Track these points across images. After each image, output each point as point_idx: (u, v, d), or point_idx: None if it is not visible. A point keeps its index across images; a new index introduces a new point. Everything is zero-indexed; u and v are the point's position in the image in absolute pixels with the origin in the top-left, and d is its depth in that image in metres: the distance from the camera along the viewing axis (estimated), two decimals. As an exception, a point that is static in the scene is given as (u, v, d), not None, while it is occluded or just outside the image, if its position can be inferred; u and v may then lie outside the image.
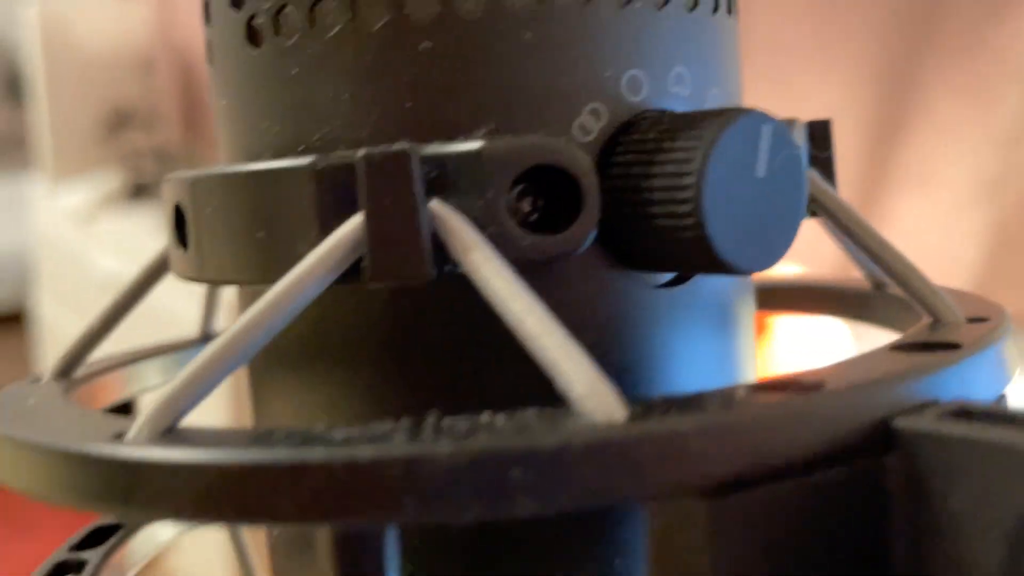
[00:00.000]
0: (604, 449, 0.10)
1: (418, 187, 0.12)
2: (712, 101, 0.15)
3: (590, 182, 0.13)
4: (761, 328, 0.78)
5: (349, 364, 0.14)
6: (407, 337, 0.14)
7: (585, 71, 0.14)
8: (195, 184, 0.14)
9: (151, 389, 0.19)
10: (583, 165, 0.13)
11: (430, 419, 0.11)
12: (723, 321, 0.16)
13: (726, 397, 0.11)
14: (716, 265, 0.13)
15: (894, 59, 0.94)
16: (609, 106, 0.14)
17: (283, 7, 0.14)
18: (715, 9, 0.15)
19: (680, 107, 0.14)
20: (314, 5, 0.14)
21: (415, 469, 0.10)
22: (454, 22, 0.13)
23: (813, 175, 0.16)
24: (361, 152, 0.12)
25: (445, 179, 0.13)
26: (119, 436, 0.12)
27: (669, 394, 0.11)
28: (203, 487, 0.10)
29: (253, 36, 0.14)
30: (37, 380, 0.17)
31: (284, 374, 0.15)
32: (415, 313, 0.14)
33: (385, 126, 0.14)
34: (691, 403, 0.11)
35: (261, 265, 0.13)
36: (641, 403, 0.11)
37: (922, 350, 0.13)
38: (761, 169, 0.13)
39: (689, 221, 0.13)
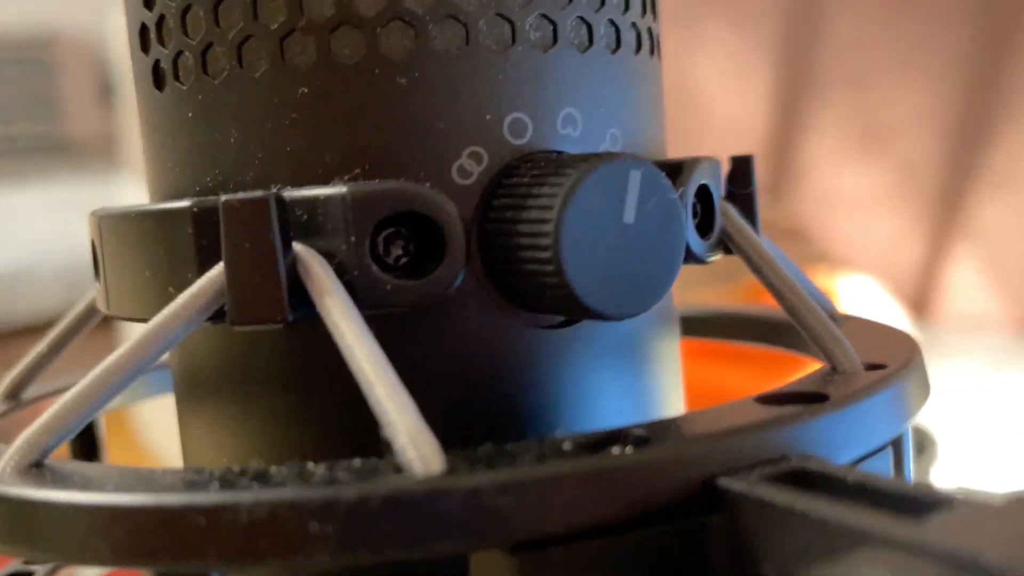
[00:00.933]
0: (405, 503, 0.10)
1: (275, 233, 0.12)
2: (611, 142, 0.15)
3: (452, 228, 0.13)
4: (824, 294, 0.76)
5: (247, 397, 0.15)
6: (298, 372, 0.14)
7: (464, 114, 0.14)
8: (102, 221, 0.15)
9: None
10: (445, 211, 0.13)
11: (251, 466, 0.11)
12: (630, 357, 0.15)
13: (546, 450, 0.11)
14: (582, 311, 0.13)
15: (978, 62, 0.90)
16: (490, 149, 0.14)
17: (180, 53, 0.14)
18: (615, 49, 0.15)
19: (571, 148, 0.14)
20: (205, 51, 0.14)
21: (218, 518, 0.10)
22: (332, 68, 0.13)
23: (729, 211, 0.16)
24: (222, 198, 0.13)
25: (314, 222, 0.13)
26: (-13, 470, 0.12)
27: (497, 445, 0.11)
28: (35, 524, 0.11)
29: (158, 79, 0.15)
30: (-13, 399, 0.18)
31: (196, 403, 0.16)
32: (303, 349, 0.14)
33: (269, 169, 0.14)
34: (506, 457, 0.11)
35: (150, 303, 0.14)
36: (463, 455, 0.11)
37: (786, 402, 0.13)
38: (629, 215, 0.13)
39: (550, 268, 0.13)
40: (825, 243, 0.93)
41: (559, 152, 0.14)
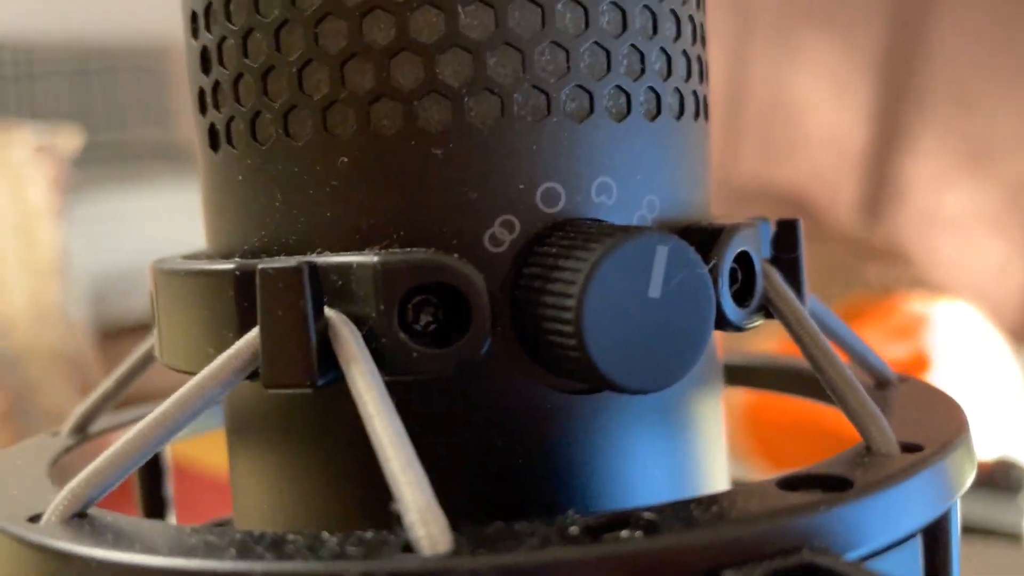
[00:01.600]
0: (405, 583, 0.10)
1: (307, 300, 0.13)
2: (648, 209, 0.15)
3: (478, 299, 0.13)
4: (919, 322, 0.74)
5: (284, 447, 0.15)
6: (331, 430, 0.15)
7: (497, 184, 0.14)
8: (158, 274, 0.16)
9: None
10: (471, 282, 0.13)
11: (269, 533, 0.12)
12: (666, 423, 0.15)
13: (552, 533, 0.11)
14: (604, 384, 0.13)
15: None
16: (522, 218, 0.14)
17: (232, 119, 0.15)
18: (655, 116, 0.15)
19: (606, 216, 0.14)
20: (254, 118, 0.15)
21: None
22: (371, 138, 0.14)
23: (772, 276, 0.16)
24: (259, 265, 0.13)
25: (347, 288, 0.13)
26: (35, 518, 0.13)
27: (507, 524, 0.12)
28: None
29: (213, 141, 0.16)
30: (57, 433, 0.19)
31: (240, 446, 0.16)
32: (337, 409, 0.14)
33: (310, 233, 0.14)
34: (512, 538, 0.11)
35: (195, 359, 0.14)
36: (470, 535, 0.11)
37: (808, 487, 0.12)
38: (655, 290, 0.13)
39: (572, 341, 0.13)
40: (924, 266, 0.89)
41: (593, 220, 0.14)
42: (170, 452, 0.22)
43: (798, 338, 0.15)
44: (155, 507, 0.22)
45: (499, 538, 0.11)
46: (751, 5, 1.07)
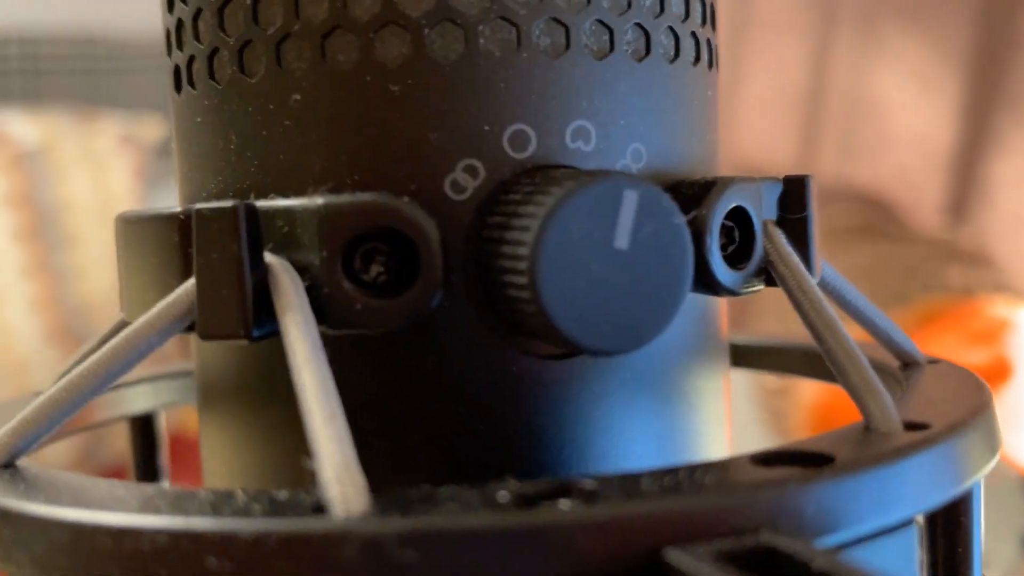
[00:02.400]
0: (302, 545, 0.09)
1: (242, 245, 0.12)
2: (632, 158, 0.14)
3: (429, 246, 0.12)
4: (1002, 327, 0.70)
5: (239, 407, 0.14)
6: (275, 387, 0.14)
7: (460, 125, 0.13)
8: (116, 223, 0.15)
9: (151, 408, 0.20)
10: (421, 228, 0.12)
11: (181, 492, 0.11)
12: (651, 394, 0.14)
13: (478, 499, 0.10)
14: (565, 343, 0.12)
15: None
16: (487, 162, 0.13)
17: (192, 58, 0.14)
18: (643, 57, 0.14)
19: (583, 164, 0.13)
20: (212, 56, 0.14)
21: (122, 541, 0.10)
22: (326, 74, 0.13)
23: (776, 237, 0.14)
24: (196, 207, 0.12)
25: (293, 235, 0.12)
26: (-41, 467, 0.12)
27: (435, 488, 0.10)
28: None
29: (177, 83, 0.15)
30: (39, 393, 0.19)
31: (205, 411, 0.16)
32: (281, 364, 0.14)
33: (263, 177, 0.13)
34: (432, 504, 0.10)
35: (143, 311, 0.14)
36: (391, 498, 0.10)
37: (785, 463, 0.11)
38: (622, 240, 0.12)
39: (526, 294, 0.12)
40: (1010, 270, 0.85)
41: (568, 167, 0.13)
42: (164, 420, 0.21)
43: (798, 304, 0.14)
44: (149, 475, 0.21)
45: (420, 502, 0.10)
46: (833, 0, 1.04)
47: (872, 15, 1.02)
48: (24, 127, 0.97)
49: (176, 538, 0.10)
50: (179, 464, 0.22)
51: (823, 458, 0.11)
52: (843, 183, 1.05)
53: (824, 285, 0.16)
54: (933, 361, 0.17)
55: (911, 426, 0.12)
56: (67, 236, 0.99)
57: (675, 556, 0.09)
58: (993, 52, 0.92)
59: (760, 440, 0.72)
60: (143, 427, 0.21)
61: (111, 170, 1.02)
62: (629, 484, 0.10)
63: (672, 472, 0.11)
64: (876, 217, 0.97)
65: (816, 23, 1.05)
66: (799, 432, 0.70)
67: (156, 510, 0.10)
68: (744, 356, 0.20)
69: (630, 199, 0.12)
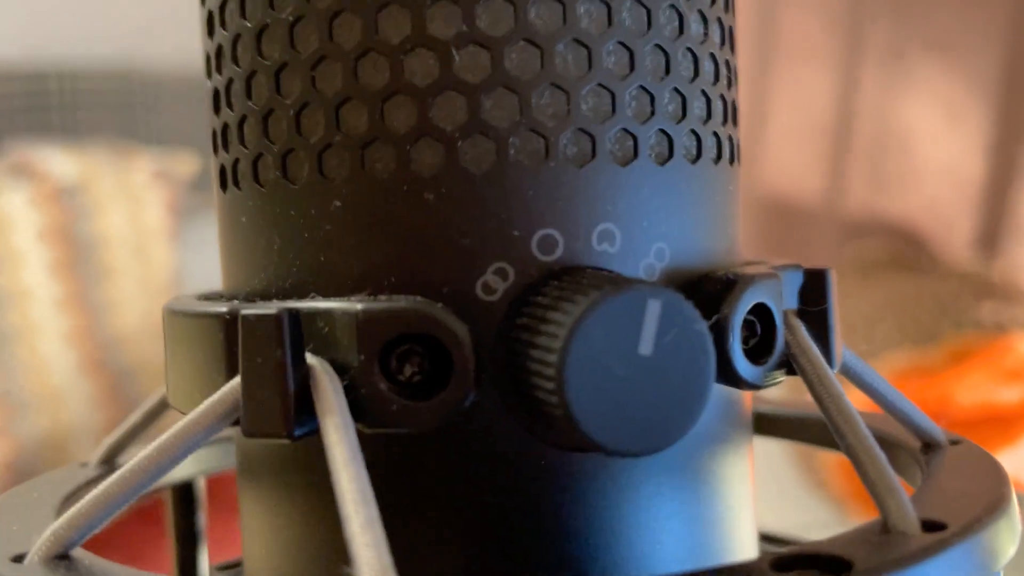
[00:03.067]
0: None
1: (285, 350, 0.13)
2: (656, 257, 0.14)
3: (461, 350, 0.13)
4: None
5: (282, 492, 0.15)
6: (317, 480, 0.14)
7: (490, 231, 0.13)
8: (165, 312, 0.16)
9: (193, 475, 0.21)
10: (454, 332, 0.12)
11: None
12: (676, 484, 0.15)
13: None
14: (591, 446, 0.12)
15: None
16: (517, 266, 0.13)
17: (237, 160, 0.15)
18: (666, 160, 0.14)
19: (609, 265, 0.14)
20: (257, 160, 0.15)
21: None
22: (364, 182, 0.14)
23: (797, 329, 0.15)
24: (242, 311, 0.13)
25: (332, 336, 0.13)
26: (18, 558, 0.13)
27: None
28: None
29: (223, 182, 0.16)
30: (86, 464, 0.19)
31: (245, 490, 0.16)
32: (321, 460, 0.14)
33: (304, 278, 0.14)
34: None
35: (188, 403, 0.14)
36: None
37: (804, 567, 0.11)
38: (646, 347, 0.12)
39: (555, 399, 0.12)
40: (1042, 306, 0.84)
41: (593, 268, 0.14)
42: (204, 484, 0.22)
43: (819, 398, 0.14)
44: (188, 539, 0.22)
45: (453, 609, 0.11)
46: (861, 29, 1.04)
47: (900, 46, 1.02)
48: (62, 163, 0.99)
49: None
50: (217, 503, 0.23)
51: (842, 563, 0.11)
52: (872, 216, 1.05)
53: (846, 371, 0.16)
54: (955, 441, 0.17)
55: (929, 526, 0.13)
56: (102, 270, 1.01)
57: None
58: (1022, 83, 0.92)
59: (794, 492, 0.72)
60: (183, 494, 0.22)
61: (146, 205, 1.04)
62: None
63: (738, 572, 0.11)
64: (906, 250, 0.97)
65: (843, 54, 1.05)
66: (833, 484, 0.70)
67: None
68: (769, 426, 0.21)
69: (653, 308, 0.12)
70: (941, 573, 0.12)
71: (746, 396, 0.16)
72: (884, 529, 0.13)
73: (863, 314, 0.83)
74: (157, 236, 1.04)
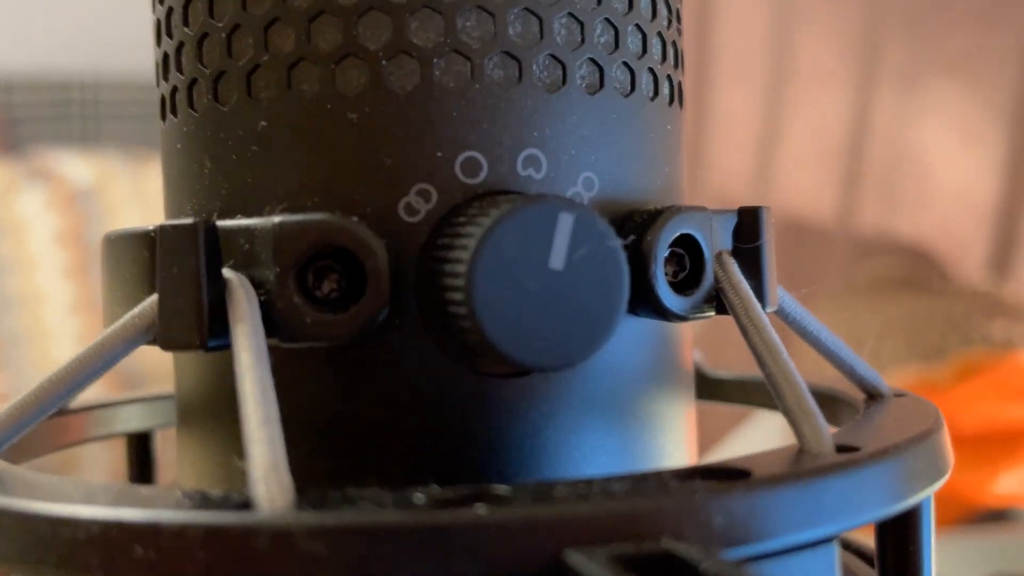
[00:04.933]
0: (221, 537, 0.10)
1: (200, 260, 0.13)
2: (584, 186, 0.14)
3: (376, 264, 0.13)
4: None
5: (207, 418, 0.15)
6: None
7: (413, 152, 0.13)
8: (102, 242, 0.16)
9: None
10: (368, 247, 0.13)
11: (141, 489, 0.11)
12: (601, 417, 0.14)
13: (396, 500, 0.10)
14: (501, 360, 0.12)
15: None
16: (440, 187, 0.13)
17: (175, 88, 0.15)
18: (597, 90, 0.14)
19: (533, 190, 0.14)
20: (191, 86, 0.15)
21: (58, 529, 0.10)
22: (290, 102, 0.14)
23: (728, 265, 0.15)
24: (160, 224, 0.13)
25: (252, 252, 0.13)
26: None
27: (358, 489, 0.11)
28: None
29: (162, 112, 0.16)
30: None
31: (182, 423, 0.16)
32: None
33: (232, 200, 0.14)
34: (350, 502, 0.10)
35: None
36: (315, 496, 0.11)
37: (703, 477, 0.11)
38: (557, 261, 0.12)
39: (463, 310, 0.12)
40: (1053, 326, 0.83)
41: (516, 193, 0.14)
42: (160, 438, 0.22)
43: (744, 329, 0.14)
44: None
45: (338, 501, 0.10)
46: (876, 51, 1.04)
47: (914, 67, 1.02)
48: (78, 168, 1.00)
49: (106, 527, 0.10)
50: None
51: (741, 473, 0.11)
52: (885, 236, 1.04)
53: (784, 315, 0.16)
54: (899, 394, 0.17)
55: (842, 449, 0.12)
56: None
57: (573, 558, 0.10)
58: (1037, 105, 0.91)
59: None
60: (139, 445, 0.22)
61: (160, 210, 1.05)
62: (542, 490, 0.11)
63: (588, 481, 0.11)
64: (918, 270, 0.96)
65: (858, 76, 1.05)
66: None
67: (94, 502, 0.11)
68: (715, 390, 0.20)
69: (565, 221, 0.12)
70: (843, 491, 0.11)
71: (683, 341, 0.16)
72: (799, 452, 0.12)
73: (872, 331, 0.83)
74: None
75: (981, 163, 0.98)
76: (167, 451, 0.22)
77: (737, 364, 0.20)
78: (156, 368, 0.98)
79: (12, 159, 1.01)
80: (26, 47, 1.17)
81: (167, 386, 0.19)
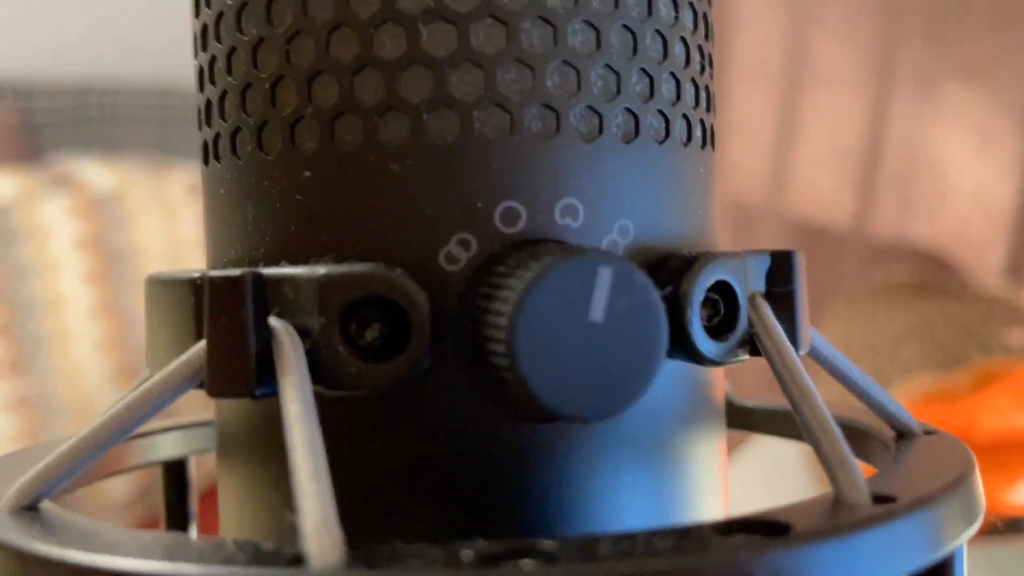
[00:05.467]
0: (277, 594, 0.10)
1: (248, 309, 0.13)
2: (620, 234, 0.14)
3: (418, 314, 0.13)
4: None
5: (250, 462, 0.15)
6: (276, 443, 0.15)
7: (453, 202, 0.14)
8: (145, 283, 0.16)
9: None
10: (410, 297, 0.13)
11: (194, 540, 0.12)
12: (637, 460, 0.15)
13: (444, 556, 0.11)
14: (543, 412, 0.13)
15: None
16: (479, 237, 0.14)
17: (218, 135, 0.15)
18: (632, 139, 0.14)
19: (571, 239, 0.14)
20: (235, 134, 0.15)
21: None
22: (333, 153, 0.14)
23: (762, 310, 0.15)
24: (209, 273, 0.13)
25: (297, 301, 0.13)
26: (-12, 506, 0.14)
27: (407, 545, 0.11)
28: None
29: (205, 156, 0.16)
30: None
31: (225, 463, 0.17)
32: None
33: (276, 247, 0.15)
34: (401, 560, 0.11)
35: (163, 365, 0.15)
36: (363, 553, 0.11)
37: (745, 531, 0.11)
38: (597, 313, 0.12)
39: (505, 362, 0.12)
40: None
41: (555, 242, 0.14)
42: (195, 466, 0.22)
43: (778, 374, 0.14)
44: (179, 519, 0.22)
45: (388, 557, 0.11)
46: (892, 55, 1.04)
47: (930, 71, 1.02)
48: (99, 174, 1.01)
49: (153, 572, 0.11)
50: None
51: (782, 527, 0.11)
52: (901, 240, 1.04)
53: (816, 355, 0.16)
54: (929, 432, 0.17)
55: (879, 499, 0.13)
56: (135, 280, 1.03)
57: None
58: (1055, 110, 0.91)
59: (806, 493, 0.71)
60: (174, 473, 0.22)
61: (180, 218, 1.05)
62: (587, 547, 0.11)
63: (631, 537, 0.11)
64: (934, 275, 0.96)
65: (873, 79, 1.05)
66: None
67: (149, 555, 0.11)
68: (743, 419, 0.21)
69: (604, 275, 0.12)
70: (883, 543, 0.12)
71: (716, 380, 0.16)
72: (835, 501, 0.13)
73: (889, 337, 0.83)
74: (190, 248, 1.05)
75: (998, 167, 0.98)
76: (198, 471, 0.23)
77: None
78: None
79: (33, 166, 1.02)
80: (46, 54, 1.18)
81: (193, 404, 0.20)
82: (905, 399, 0.74)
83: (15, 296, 0.94)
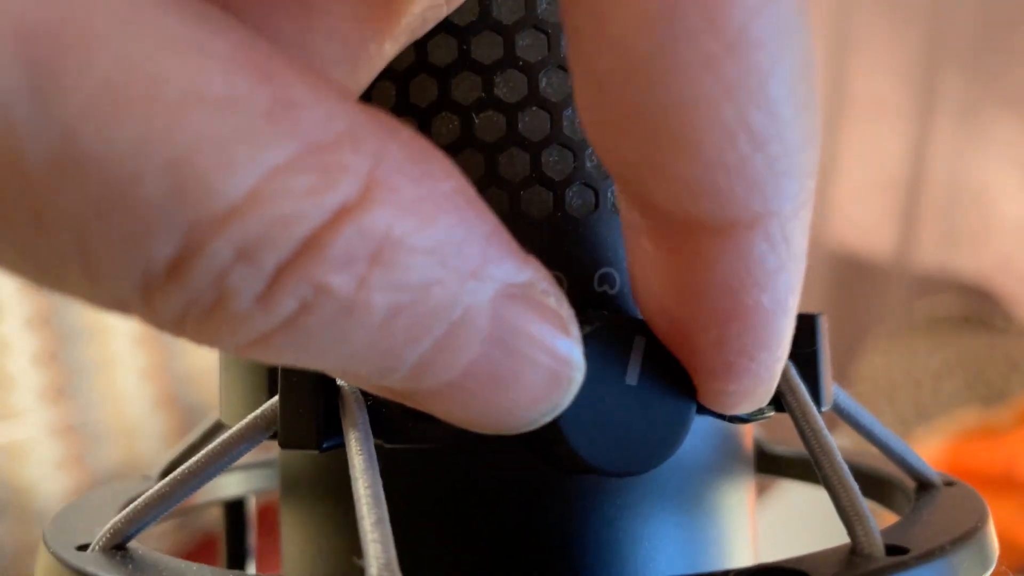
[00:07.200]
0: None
1: (312, 374, 0.14)
2: None
3: None
4: None
5: (317, 505, 0.17)
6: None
7: None
8: None
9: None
10: None
11: None
12: (672, 509, 0.16)
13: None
14: (584, 466, 0.14)
15: None
16: None
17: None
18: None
19: (608, 305, 0.15)
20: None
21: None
22: None
23: (787, 369, 0.16)
24: (282, 339, 0.15)
25: None
26: (83, 548, 0.15)
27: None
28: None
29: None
30: (148, 477, 0.21)
31: (289, 502, 0.18)
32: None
33: None
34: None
35: (235, 419, 0.16)
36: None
37: (762, 578, 0.13)
38: (632, 378, 0.14)
39: (551, 422, 0.14)
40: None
41: (594, 309, 0.15)
42: (254, 503, 0.24)
43: (801, 432, 0.15)
44: (237, 555, 0.24)
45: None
46: (933, 85, 1.04)
47: (973, 101, 1.02)
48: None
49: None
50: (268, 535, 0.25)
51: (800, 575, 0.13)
52: (944, 273, 1.03)
53: (838, 411, 0.17)
54: (949, 483, 0.18)
55: (893, 550, 0.14)
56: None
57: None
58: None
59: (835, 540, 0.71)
60: (234, 511, 0.24)
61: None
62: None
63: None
64: (978, 308, 0.95)
65: (916, 108, 1.05)
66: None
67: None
68: (774, 465, 0.22)
69: (639, 343, 0.14)
70: None
71: (745, 432, 0.18)
72: (851, 552, 0.14)
73: (931, 371, 0.82)
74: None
75: (1043, 198, 0.97)
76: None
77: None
78: (214, 400, 1.01)
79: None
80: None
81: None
82: (947, 434, 0.74)
83: (61, 324, 0.97)
